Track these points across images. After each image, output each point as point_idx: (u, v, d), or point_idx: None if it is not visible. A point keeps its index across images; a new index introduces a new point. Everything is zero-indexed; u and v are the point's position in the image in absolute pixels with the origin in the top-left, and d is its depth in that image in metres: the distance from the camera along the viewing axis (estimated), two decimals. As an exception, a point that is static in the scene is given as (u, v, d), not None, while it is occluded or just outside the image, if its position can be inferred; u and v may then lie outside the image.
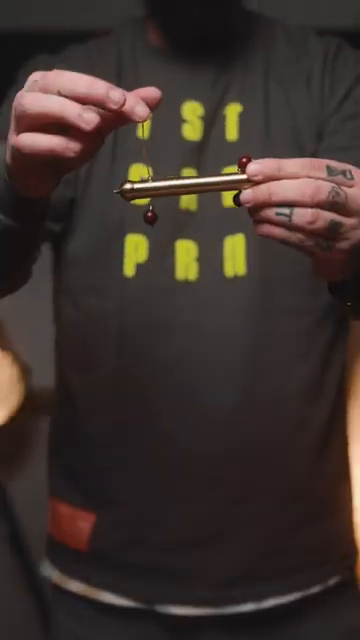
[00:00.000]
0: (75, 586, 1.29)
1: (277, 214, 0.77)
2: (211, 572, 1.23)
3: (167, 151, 1.20)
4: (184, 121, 1.21)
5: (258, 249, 1.19)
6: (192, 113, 1.21)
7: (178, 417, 1.21)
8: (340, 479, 1.31)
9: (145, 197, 0.80)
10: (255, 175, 0.77)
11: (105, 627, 1.28)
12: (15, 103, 0.78)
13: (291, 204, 0.76)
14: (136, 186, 0.79)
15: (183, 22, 1.20)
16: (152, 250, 1.20)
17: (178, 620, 1.24)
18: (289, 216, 0.77)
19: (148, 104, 0.77)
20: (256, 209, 0.78)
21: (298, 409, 1.24)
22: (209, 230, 1.20)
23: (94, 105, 0.75)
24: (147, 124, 1.19)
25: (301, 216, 0.76)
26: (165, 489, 1.23)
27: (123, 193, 0.79)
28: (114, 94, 0.75)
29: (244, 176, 0.77)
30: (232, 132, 1.21)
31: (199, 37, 1.22)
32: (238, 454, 1.22)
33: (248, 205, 0.78)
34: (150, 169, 0.80)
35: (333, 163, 0.79)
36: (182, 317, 1.20)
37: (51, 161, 0.79)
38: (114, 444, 1.24)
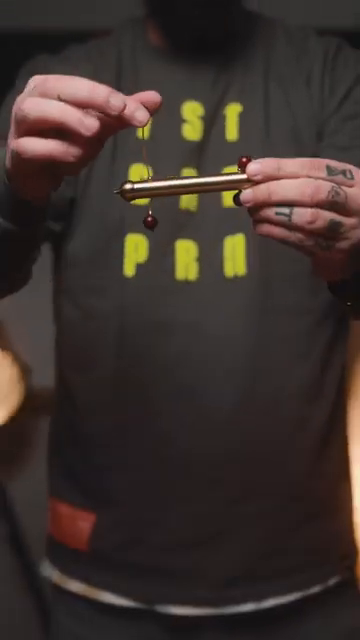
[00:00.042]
0: (75, 586, 1.29)
1: (277, 214, 0.77)
2: (211, 572, 1.23)
3: (167, 151, 1.19)
4: (184, 121, 1.21)
5: (258, 249, 1.19)
6: (192, 113, 1.21)
7: (178, 417, 1.21)
8: (340, 479, 1.31)
9: (145, 197, 0.80)
10: (255, 175, 0.77)
11: (105, 627, 1.28)
12: (15, 107, 0.78)
13: (291, 204, 0.77)
14: (136, 186, 0.79)
15: (183, 22, 1.20)
16: (152, 250, 1.20)
17: (178, 620, 1.24)
18: (289, 216, 0.77)
19: (148, 108, 0.77)
20: (256, 209, 0.78)
21: (298, 409, 1.24)
22: (209, 230, 1.20)
23: (94, 110, 0.75)
24: (147, 125, 1.18)
25: (301, 216, 0.77)
26: (165, 489, 1.23)
27: (123, 193, 0.79)
28: (115, 100, 0.75)
29: (244, 176, 0.77)
30: (232, 132, 1.21)
31: (199, 37, 1.22)
32: (238, 454, 1.22)
33: (248, 205, 0.78)
34: (150, 169, 0.80)
35: (333, 163, 0.79)
36: (182, 317, 1.20)
37: (50, 165, 0.79)
38: (114, 444, 1.24)
